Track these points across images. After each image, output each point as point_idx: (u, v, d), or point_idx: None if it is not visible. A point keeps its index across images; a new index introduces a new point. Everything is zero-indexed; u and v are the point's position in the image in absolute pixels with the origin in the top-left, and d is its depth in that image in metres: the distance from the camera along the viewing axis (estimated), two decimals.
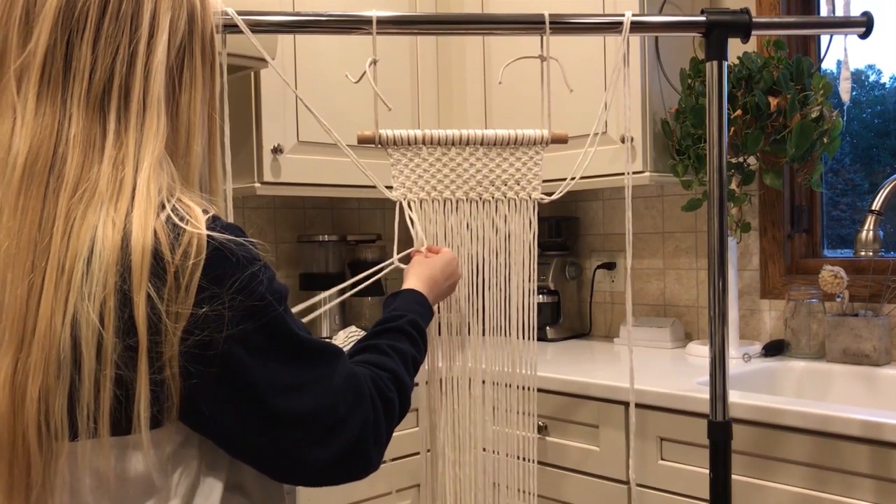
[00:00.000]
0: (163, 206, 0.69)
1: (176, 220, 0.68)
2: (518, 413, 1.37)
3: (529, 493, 1.38)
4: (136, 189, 0.69)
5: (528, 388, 1.37)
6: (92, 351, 0.65)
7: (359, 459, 0.79)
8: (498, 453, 1.38)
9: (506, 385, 1.37)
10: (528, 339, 1.36)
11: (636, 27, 1.25)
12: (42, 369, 0.65)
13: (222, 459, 0.75)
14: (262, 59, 1.20)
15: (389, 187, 1.31)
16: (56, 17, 0.70)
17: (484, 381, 1.38)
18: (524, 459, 1.38)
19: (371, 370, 0.87)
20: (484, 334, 1.36)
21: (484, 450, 1.38)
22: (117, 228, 0.67)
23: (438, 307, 1.32)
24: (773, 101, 1.74)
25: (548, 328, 2.28)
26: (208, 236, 0.68)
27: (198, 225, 0.69)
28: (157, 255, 0.66)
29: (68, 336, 0.65)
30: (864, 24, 1.30)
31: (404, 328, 0.99)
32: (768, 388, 1.74)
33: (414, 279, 1.16)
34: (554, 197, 1.33)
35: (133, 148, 0.71)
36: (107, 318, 0.65)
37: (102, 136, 0.70)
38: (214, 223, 0.71)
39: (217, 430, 0.72)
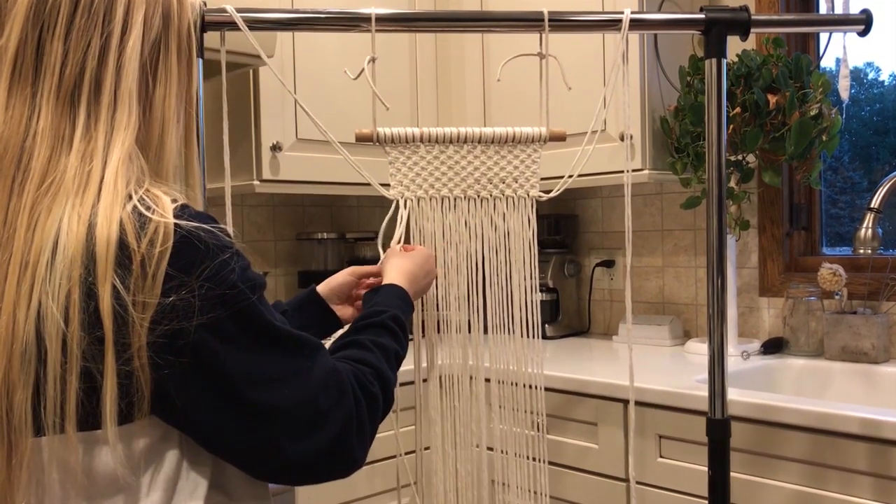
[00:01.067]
0: (130, 198, 0.68)
1: (142, 209, 0.67)
2: (524, 411, 1.37)
3: (541, 494, 1.37)
4: (103, 182, 0.68)
5: (535, 387, 1.37)
6: (56, 345, 0.64)
7: (342, 456, 0.77)
8: (505, 452, 1.38)
9: (511, 383, 1.37)
10: (532, 336, 1.36)
11: (635, 25, 1.25)
12: (4, 364, 0.64)
13: (206, 456, 0.74)
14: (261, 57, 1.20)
15: (387, 185, 1.31)
16: (27, 13, 0.70)
17: (489, 380, 1.37)
18: (531, 459, 1.37)
19: (353, 366, 0.85)
20: (486, 332, 1.36)
21: (490, 449, 1.38)
22: (82, 221, 0.66)
23: (437, 305, 1.32)
24: (772, 99, 1.74)
25: (546, 326, 2.28)
26: (175, 224, 0.67)
27: (164, 214, 0.68)
28: (122, 245, 0.65)
29: (32, 330, 0.64)
30: (864, 22, 1.30)
31: (386, 323, 0.98)
32: (767, 386, 1.74)
33: (394, 273, 1.14)
34: (552, 194, 1.33)
35: (102, 141, 0.70)
36: (72, 310, 0.64)
37: (71, 129, 0.70)
38: (183, 211, 0.70)
39: (191, 423, 0.70)
